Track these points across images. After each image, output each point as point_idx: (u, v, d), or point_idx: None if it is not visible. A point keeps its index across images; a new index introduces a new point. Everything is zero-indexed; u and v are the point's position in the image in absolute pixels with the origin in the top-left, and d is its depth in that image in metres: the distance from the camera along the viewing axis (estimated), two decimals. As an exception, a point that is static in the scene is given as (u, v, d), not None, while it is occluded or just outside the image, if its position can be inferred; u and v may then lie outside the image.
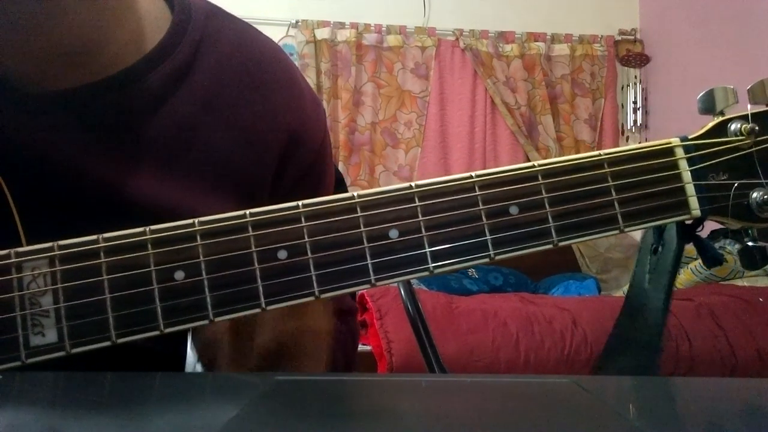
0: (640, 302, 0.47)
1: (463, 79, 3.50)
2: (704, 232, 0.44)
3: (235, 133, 0.52)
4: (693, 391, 0.38)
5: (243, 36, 0.56)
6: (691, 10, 3.20)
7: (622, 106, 3.59)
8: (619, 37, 3.60)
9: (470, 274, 3.19)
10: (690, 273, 2.54)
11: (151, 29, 0.51)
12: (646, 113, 3.55)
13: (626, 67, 3.55)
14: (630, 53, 3.51)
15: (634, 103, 3.54)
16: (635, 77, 3.56)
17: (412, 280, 1.41)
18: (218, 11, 0.56)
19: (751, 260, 0.42)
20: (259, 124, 0.53)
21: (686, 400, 0.35)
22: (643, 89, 3.54)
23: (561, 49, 3.55)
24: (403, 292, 1.25)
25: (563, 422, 0.30)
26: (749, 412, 0.32)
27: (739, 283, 2.45)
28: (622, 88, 3.60)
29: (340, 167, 3.17)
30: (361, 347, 1.98)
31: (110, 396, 0.34)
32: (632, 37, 3.59)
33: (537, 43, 3.53)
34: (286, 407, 0.32)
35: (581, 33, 3.57)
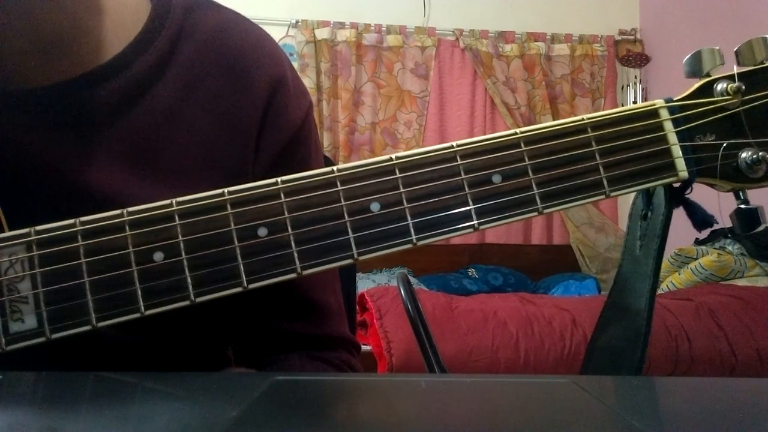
0: (631, 270, 0.47)
1: (463, 79, 3.50)
2: (693, 195, 0.42)
3: (216, 122, 0.52)
4: (692, 391, 0.38)
5: (224, 25, 0.55)
6: (691, 10, 3.20)
7: (622, 105, 3.59)
8: (619, 37, 3.60)
9: (470, 274, 3.19)
10: (690, 273, 2.53)
11: (131, 21, 0.50)
12: (646, 113, 3.55)
13: (626, 67, 3.55)
14: (630, 53, 3.51)
15: (634, 102, 3.53)
16: (635, 77, 3.56)
17: (411, 280, 1.40)
18: (202, 1, 0.55)
19: (746, 223, 0.40)
20: (240, 113, 0.53)
21: (686, 399, 0.35)
22: (643, 89, 3.55)
23: (561, 49, 3.56)
24: (403, 292, 1.25)
25: (563, 422, 0.30)
26: (749, 412, 0.32)
27: (738, 282, 2.45)
28: (622, 88, 3.60)
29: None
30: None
31: (110, 396, 0.34)
32: (632, 37, 3.59)
33: (537, 43, 3.53)
34: (286, 407, 0.32)
35: (581, 33, 3.57)
